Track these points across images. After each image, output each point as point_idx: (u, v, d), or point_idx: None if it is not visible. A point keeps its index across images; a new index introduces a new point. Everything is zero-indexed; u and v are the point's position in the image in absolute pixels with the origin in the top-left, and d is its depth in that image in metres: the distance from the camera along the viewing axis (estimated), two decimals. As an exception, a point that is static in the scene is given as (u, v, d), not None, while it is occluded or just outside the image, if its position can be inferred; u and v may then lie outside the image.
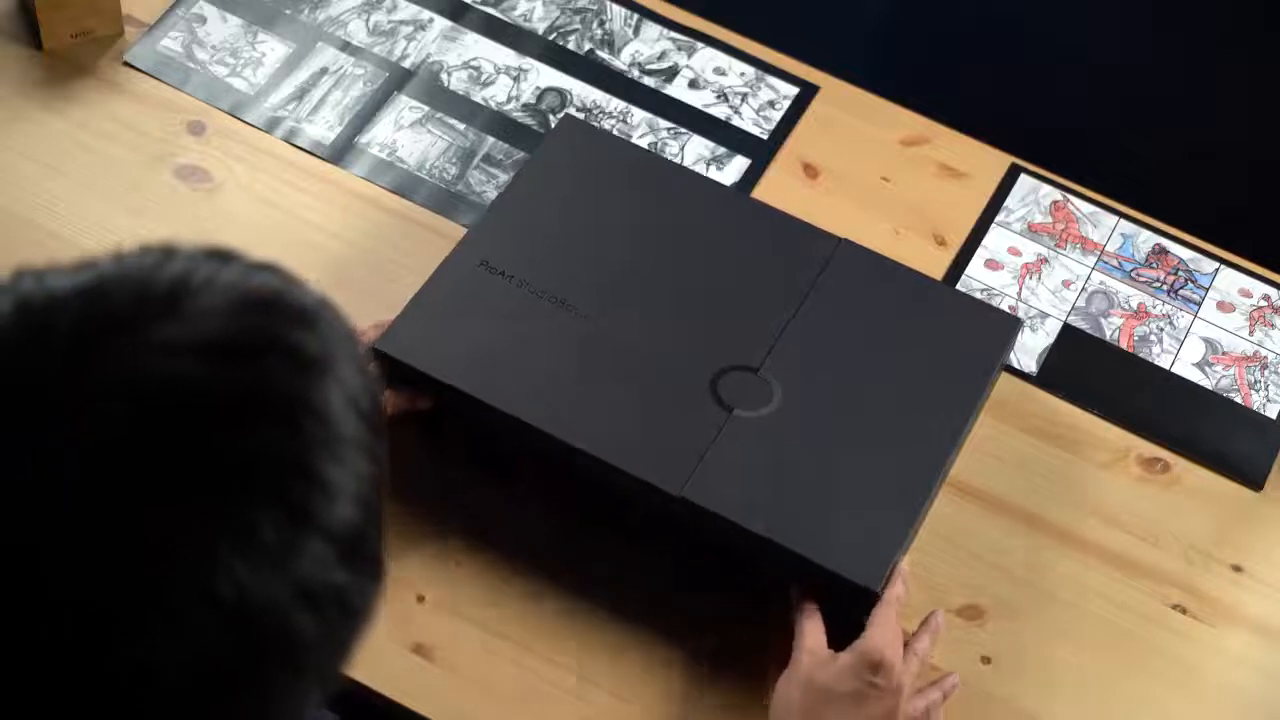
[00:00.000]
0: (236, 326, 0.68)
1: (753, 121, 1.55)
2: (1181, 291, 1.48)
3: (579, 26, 1.59)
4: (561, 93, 1.54)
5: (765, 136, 1.54)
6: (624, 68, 1.57)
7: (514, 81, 1.55)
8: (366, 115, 1.51)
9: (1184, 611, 1.31)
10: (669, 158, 1.50)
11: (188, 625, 0.64)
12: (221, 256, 0.71)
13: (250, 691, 0.66)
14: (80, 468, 0.64)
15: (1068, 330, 1.45)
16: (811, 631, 1.17)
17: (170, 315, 0.67)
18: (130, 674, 0.64)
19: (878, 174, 1.53)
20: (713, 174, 1.50)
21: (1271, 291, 1.48)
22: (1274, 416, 1.41)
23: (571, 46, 1.57)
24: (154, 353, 0.66)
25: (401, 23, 1.57)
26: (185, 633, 0.64)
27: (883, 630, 1.15)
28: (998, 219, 1.51)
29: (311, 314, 0.71)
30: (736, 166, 1.52)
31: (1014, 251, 1.49)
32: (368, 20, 1.57)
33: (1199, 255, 1.50)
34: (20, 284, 0.68)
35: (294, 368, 0.68)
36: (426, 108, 1.52)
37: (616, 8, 1.60)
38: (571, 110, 1.53)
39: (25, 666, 0.64)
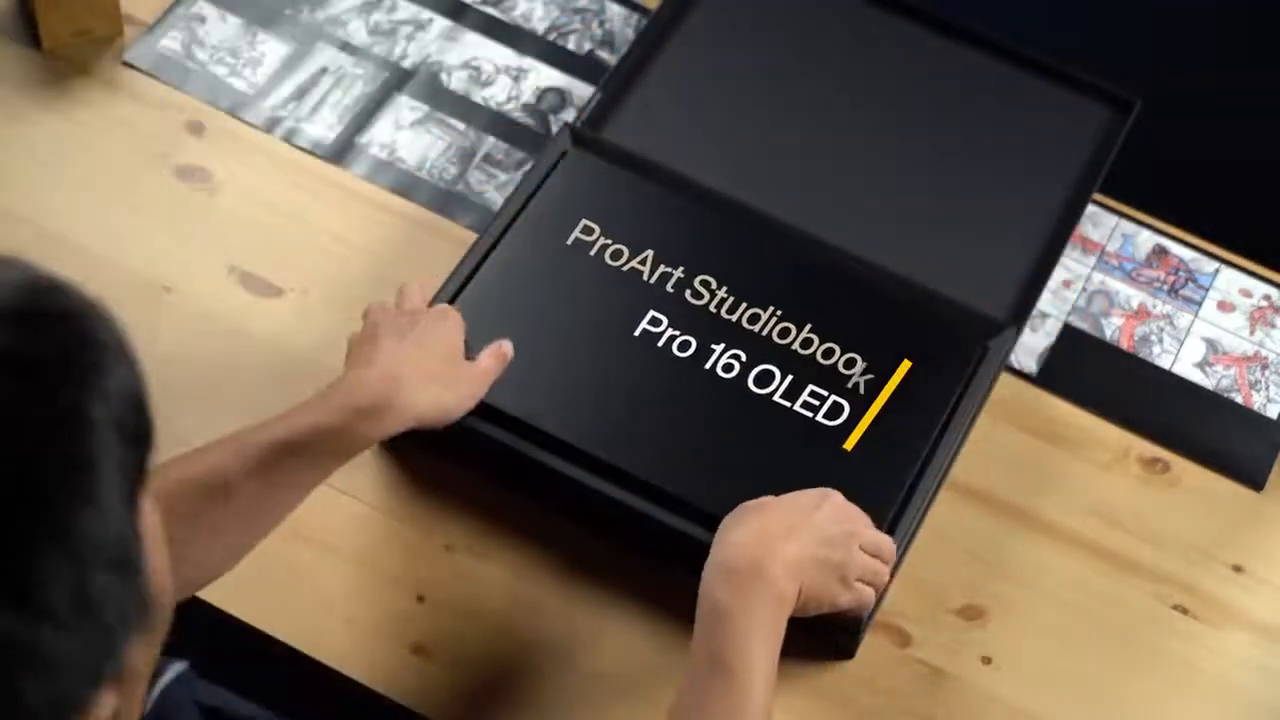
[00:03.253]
0: None
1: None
2: (1182, 291, 1.48)
3: (579, 26, 1.59)
4: (561, 93, 1.54)
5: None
6: (624, 67, 1.57)
7: (514, 81, 1.55)
8: (366, 115, 1.51)
9: (1184, 611, 1.31)
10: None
11: None
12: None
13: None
14: None
15: (1068, 330, 1.45)
16: None
17: None
18: None
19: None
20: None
21: (1272, 291, 1.48)
22: (1274, 416, 1.41)
23: (571, 46, 1.57)
24: None
25: (401, 22, 1.57)
26: None
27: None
28: (998, 219, 1.51)
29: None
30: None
31: (1014, 251, 1.49)
32: (367, 20, 1.57)
33: (1199, 255, 1.50)
34: None
35: None
36: (426, 108, 1.52)
37: (616, 8, 1.60)
38: (570, 111, 1.53)
39: None
